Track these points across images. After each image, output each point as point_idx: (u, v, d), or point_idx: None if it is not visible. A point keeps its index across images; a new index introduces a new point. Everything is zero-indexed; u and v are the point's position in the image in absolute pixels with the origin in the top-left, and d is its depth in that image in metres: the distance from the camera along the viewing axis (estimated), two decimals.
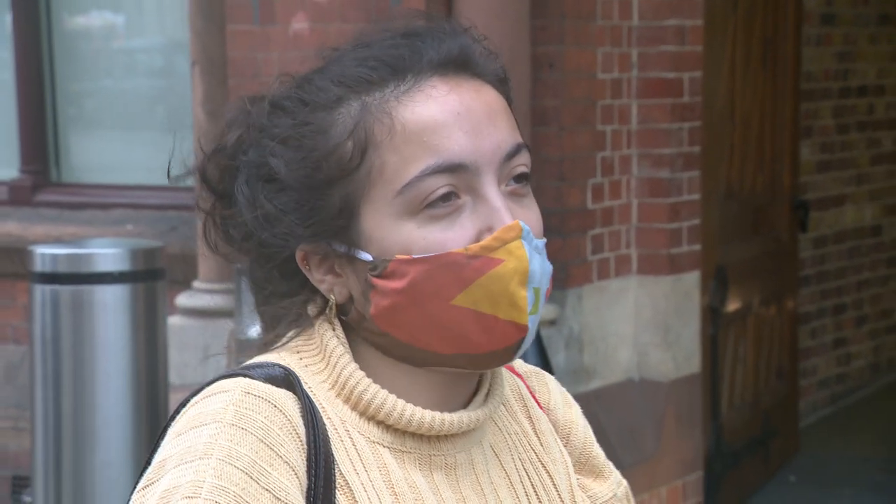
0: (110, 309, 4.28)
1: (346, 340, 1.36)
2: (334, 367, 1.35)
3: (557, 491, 1.45)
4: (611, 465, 1.55)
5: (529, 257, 1.30)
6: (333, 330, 1.36)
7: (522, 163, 1.33)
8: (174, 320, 5.15)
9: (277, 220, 1.33)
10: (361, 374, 1.34)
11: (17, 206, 6.28)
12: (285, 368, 1.32)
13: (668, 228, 5.19)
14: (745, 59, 5.69)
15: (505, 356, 1.34)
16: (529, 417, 1.47)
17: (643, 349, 5.18)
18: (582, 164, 4.97)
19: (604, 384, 5.06)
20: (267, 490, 1.23)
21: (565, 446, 1.50)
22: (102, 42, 6.53)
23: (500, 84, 1.36)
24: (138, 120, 6.39)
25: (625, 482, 1.56)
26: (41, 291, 4.31)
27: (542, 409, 1.50)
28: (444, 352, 1.32)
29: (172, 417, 1.31)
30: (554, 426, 1.50)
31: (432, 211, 1.29)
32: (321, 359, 1.36)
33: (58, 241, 5.34)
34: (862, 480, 6.18)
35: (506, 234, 1.29)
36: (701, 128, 5.28)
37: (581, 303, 4.98)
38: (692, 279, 5.29)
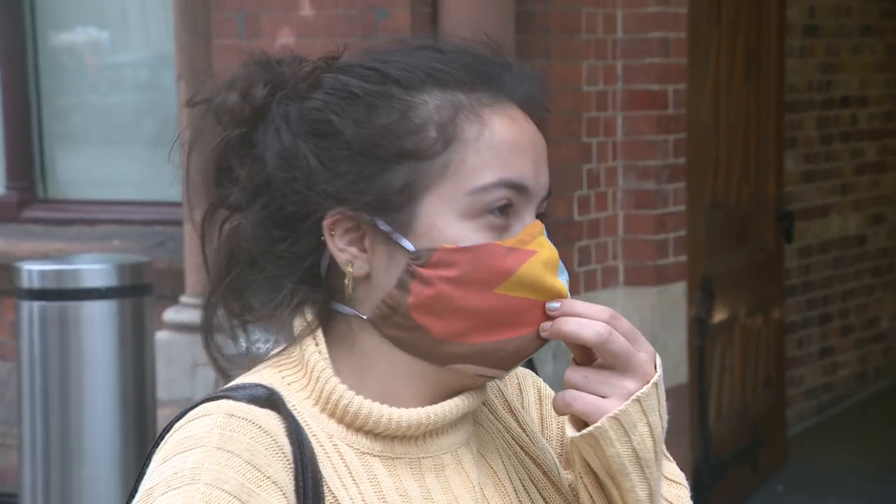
0: (97, 325, 4.28)
1: (327, 353, 1.36)
2: (316, 381, 1.35)
3: (549, 478, 1.46)
4: None
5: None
6: (316, 344, 1.36)
7: (544, 205, 1.41)
8: (161, 335, 5.14)
9: (320, 175, 1.32)
10: (344, 386, 1.34)
11: (3, 222, 6.27)
12: (268, 388, 1.32)
13: (654, 240, 5.20)
14: (728, 71, 5.71)
15: (531, 345, 1.35)
16: (512, 411, 1.48)
17: None
18: (568, 176, 4.98)
19: None
20: None
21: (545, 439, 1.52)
22: (88, 57, 6.52)
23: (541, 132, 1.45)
24: (124, 135, 6.38)
25: None
26: (28, 308, 4.30)
27: (521, 405, 1.51)
28: (478, 340, 1.33)
29: (156, 443, 1.31)
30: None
31: (491, 218, 1.34)
32: (303, 375, 1.36)
33: (44, 257, 5.33)
34: (849, 489, 6.19)
35: (533, 229, 1.36)
36: (686, 139, 5.29)
37: None
38: (678, 290, 5.30)
